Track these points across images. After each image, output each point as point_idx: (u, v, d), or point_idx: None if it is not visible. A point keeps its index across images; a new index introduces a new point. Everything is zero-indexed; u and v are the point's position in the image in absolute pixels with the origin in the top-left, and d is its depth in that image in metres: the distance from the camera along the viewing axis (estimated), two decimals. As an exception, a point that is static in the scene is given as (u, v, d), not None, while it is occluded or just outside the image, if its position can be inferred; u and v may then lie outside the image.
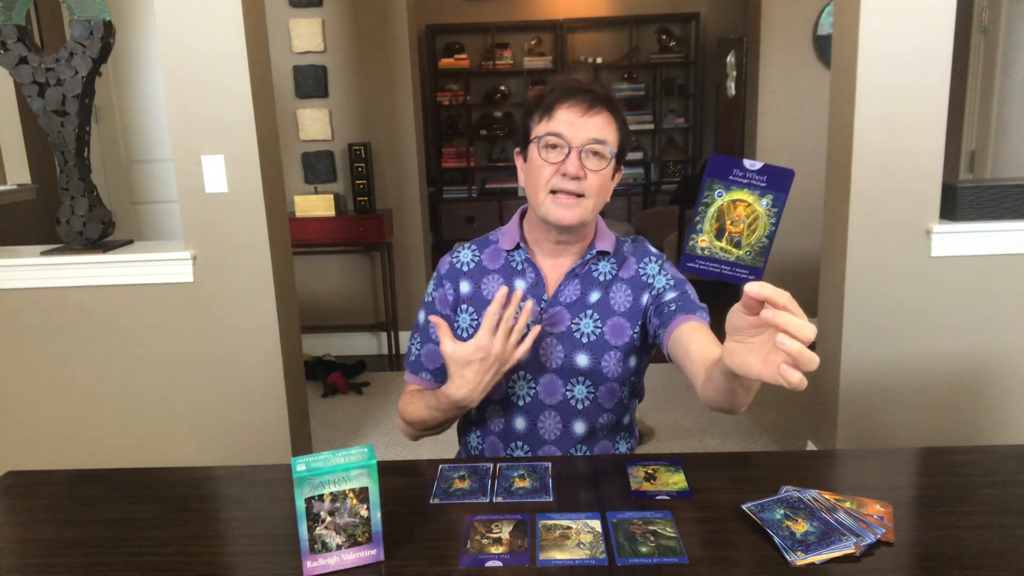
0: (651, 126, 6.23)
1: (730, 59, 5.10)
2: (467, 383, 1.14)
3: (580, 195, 1.20)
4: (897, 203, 2.25)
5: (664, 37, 6.09)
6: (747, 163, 0.78)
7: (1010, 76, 3.33)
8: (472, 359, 1.12)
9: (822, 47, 3.93)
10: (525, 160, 1.28)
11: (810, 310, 2.78)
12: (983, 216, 2.25)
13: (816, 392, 2.60)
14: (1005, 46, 3.35)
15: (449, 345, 1.13)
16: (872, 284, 2.30)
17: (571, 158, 1.19)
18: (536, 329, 1.16)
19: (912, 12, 2.15)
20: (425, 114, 5.98)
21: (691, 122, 6.25)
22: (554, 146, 1.20)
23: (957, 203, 2.24)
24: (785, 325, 0.74)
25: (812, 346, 0.77)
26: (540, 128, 1.22)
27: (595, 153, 1.20)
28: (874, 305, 2.31)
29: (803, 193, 3.89)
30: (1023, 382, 2.35)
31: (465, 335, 1.29)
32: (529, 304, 1.15)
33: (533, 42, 6.18)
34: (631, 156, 6.28)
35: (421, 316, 1.36)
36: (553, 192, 1.21)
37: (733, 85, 5.03)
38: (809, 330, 0.73)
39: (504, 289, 1.13)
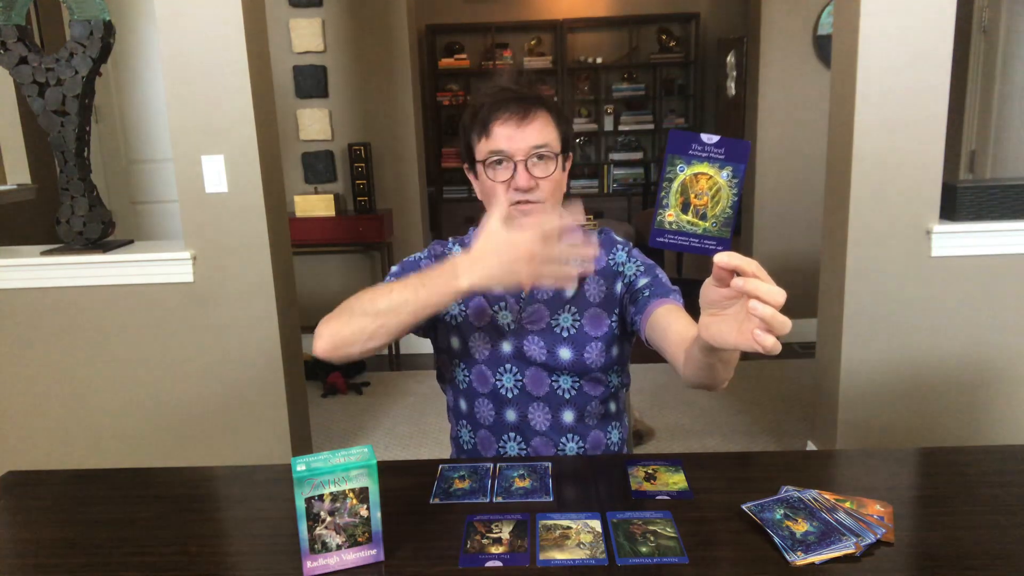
0: (651, 126, 6.22)
1: (730, 59, 5.10)
2: (482, 256, 0.99)
3: (537, 201, 1.21)
4: (897, 203, 2.25)
5: (664, 37, 6.09)
6: (704, 137, 0.80)
7: (1010, 76, 3.33)
8: (511, 241, 0.97)
9: (822, 47, 3.93)
10: (476, 177, 1.28)
11: (810, 310, 2.78)
12: (983, 216, 2.25)
13: (816, 392, 2.60)
14: (1005, 46, 3.35)
15: (496, 222, 0.99)
16: (872, 284, 2.30)
17: (519, 172, 1.19)
18: (581, 270, 1.00)
19: (912, 12, 2.15)
20: (425, 114, 5.97)
21: (691, 122, 6.24)
22: (499, 162, 1.21)
23: (957, 203, 2.24)
24: (756, 291, 0.75)
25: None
26: (481, 148, 1.23)
27: (540, 158, 1.21)
28: (874, 305, 2.31)
29: (803, 193, 3.91)
30: (1023, 382, 2.35)
31: (454, 323, 1.30)
32: (593, 252, 0.99)
33: (533, 42, 6.17)
34: (631, 156, 6.28)
35: (397, 267, 1.30)
36: (511, 205, 1.20)
37: (733, 85, 5.03)
38: (779, 294, 0.75)
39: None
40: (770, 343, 0.76)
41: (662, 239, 0.82)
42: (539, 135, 1.21)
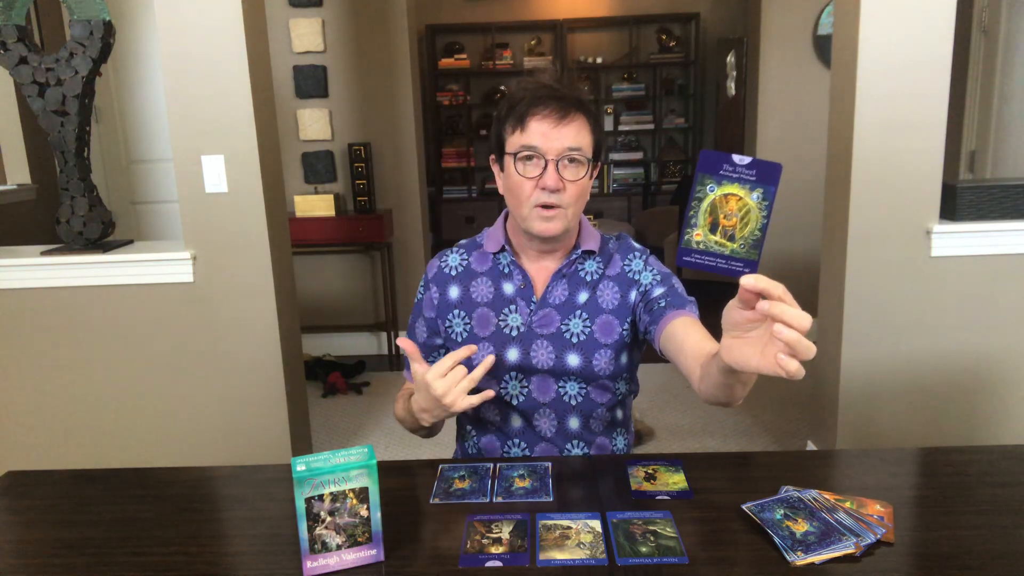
0: (651, 126, 6.23)
1: (730, 59, 5.10)
2: (427, 401, 1.14)
3: (561, 206, 1.20)
4: (897, 203, 2.25)
5: (664, 37, 6.09)
6: (736, 158, 0.79)
7: (1010, 76, 3.33)
8: (427, 386, 1.12)
9: (822, 47, 3.93)
10: (502, 169, 1.27)
11: (810, 310, 2.78)
12: (983, 216, 2.25)
13: (816, 392, 2.60)
14: (1005, 46, 3.35)
15: (417, 368, 1.14)
16: (872, 284, 2.30)
17: (549, 172, 1.18)
18: (486, 393, 1.15)
19: (912, 12, 2.15)
20: (425, 114, 5.98)
21: (691, 122, 6.25)
22: (530, 157, 1.19)
23: (957, 203, 2.24)
24: (781, 315, 0.74)
25: (817, 352, 0.77)
26: (514, 141, 1.21)
27: (572, 161, 1.19)
28: (874, 305, 2.31)
29: (803, 193, 3.91)
30: (1023, 382, 2.35)
31: (460, 339, 1.30)
32: (490, 359, 1.15)
33: (533, 42, 6.18)
34: (631, 156, 6.29)
35: (411, 319, 1.40)
36: (535, 206, 1.20)
37: (733, 85, 5.03)
38: (805, 319, 0.74)
39: (473, 347, 1.13)
40: (794, 368, 0.76)
41: (689, 258, 0.81)
42: (574, 138, 1.19)
